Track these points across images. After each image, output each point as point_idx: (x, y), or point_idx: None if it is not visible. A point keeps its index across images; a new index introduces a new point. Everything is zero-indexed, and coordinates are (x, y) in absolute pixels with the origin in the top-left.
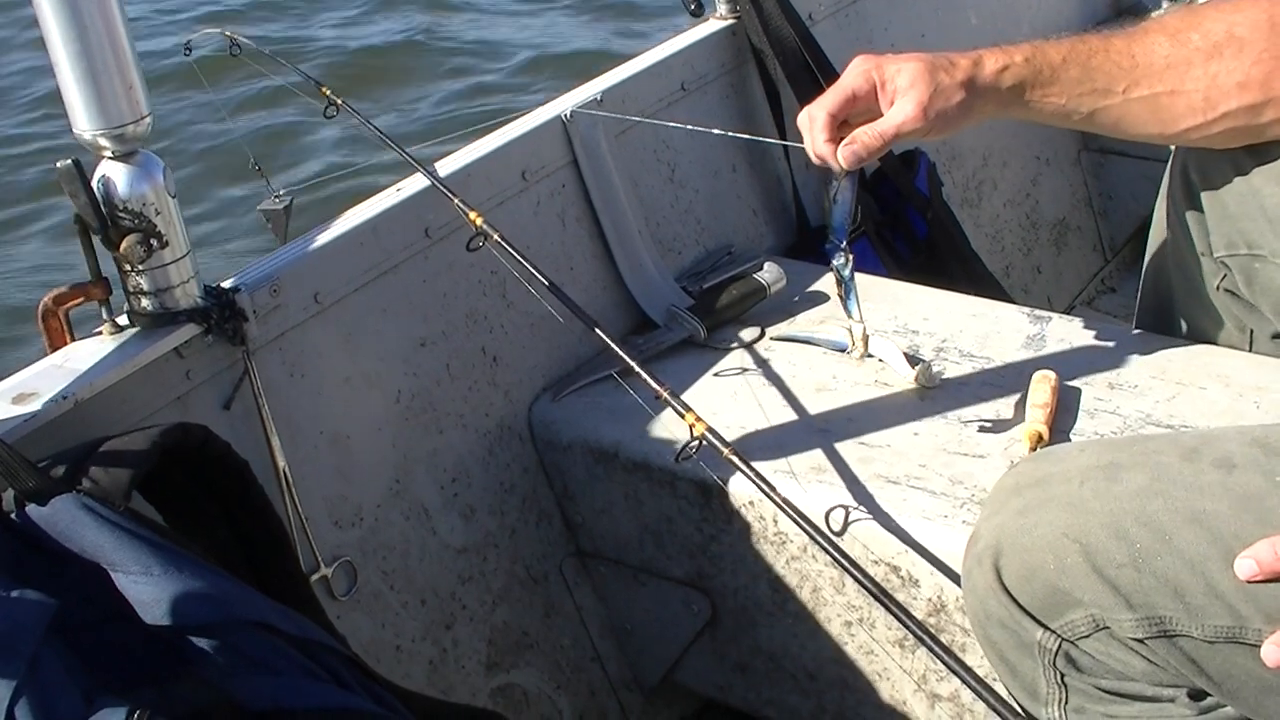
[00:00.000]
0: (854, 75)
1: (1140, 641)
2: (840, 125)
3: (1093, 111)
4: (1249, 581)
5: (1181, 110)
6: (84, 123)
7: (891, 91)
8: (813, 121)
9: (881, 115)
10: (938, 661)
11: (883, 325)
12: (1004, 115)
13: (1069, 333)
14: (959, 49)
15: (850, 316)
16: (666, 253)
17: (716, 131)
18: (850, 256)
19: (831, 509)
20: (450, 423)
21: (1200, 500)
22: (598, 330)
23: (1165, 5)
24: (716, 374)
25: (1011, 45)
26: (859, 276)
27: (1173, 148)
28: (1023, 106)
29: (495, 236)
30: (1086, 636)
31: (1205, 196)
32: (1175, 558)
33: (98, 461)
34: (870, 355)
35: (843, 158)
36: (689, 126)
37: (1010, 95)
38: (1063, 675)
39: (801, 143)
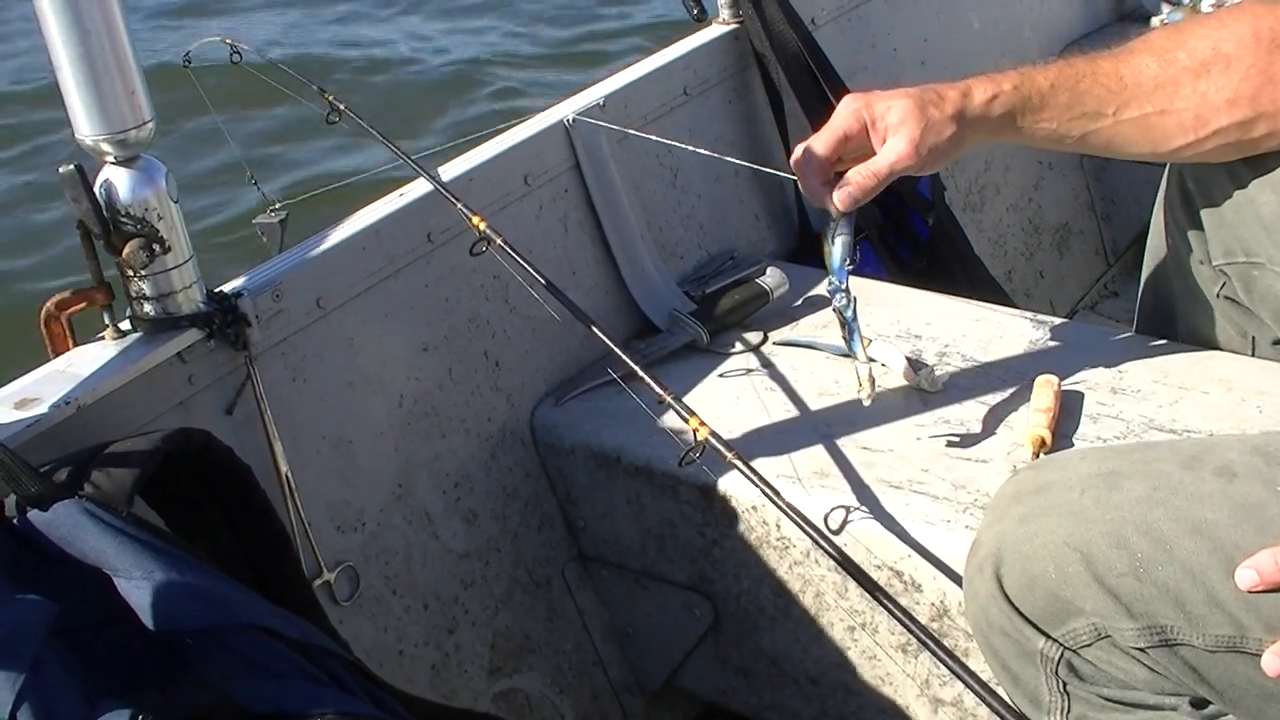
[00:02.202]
0: (844, 116)
1: (1142, 650)
2: (834, 164)
3: (1084, 135)
4: (1250, 591)
5: (1173, 129)
6: (86, 128)
7: (883, 129)
8: (806, 165)
9: (874, 153)
10: (941, 666)
11: (885, 330)
12: (997, 139)
13: (1071, 337)
14: (961, 53)
15: (855, 358)
16: (669, 257)
17: (724, 158)
18: (853, 298)
19: (834, 513)
20: (453, 427)
21: (1201, 509)
22: (600, 334)
23: (1165, 9)
24: (719, 378)
25: (1000, 73)
26: (860, 279)
27: None
28: (1014, 133)
29: (498, 241)
30: (1088, 645)
31: (1202, 205)
32: (1176, 567)
33: (100, 466)
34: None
35: (838, 200)
36: (691, 148)
37: (1001, 123)
38: (1065, 684)
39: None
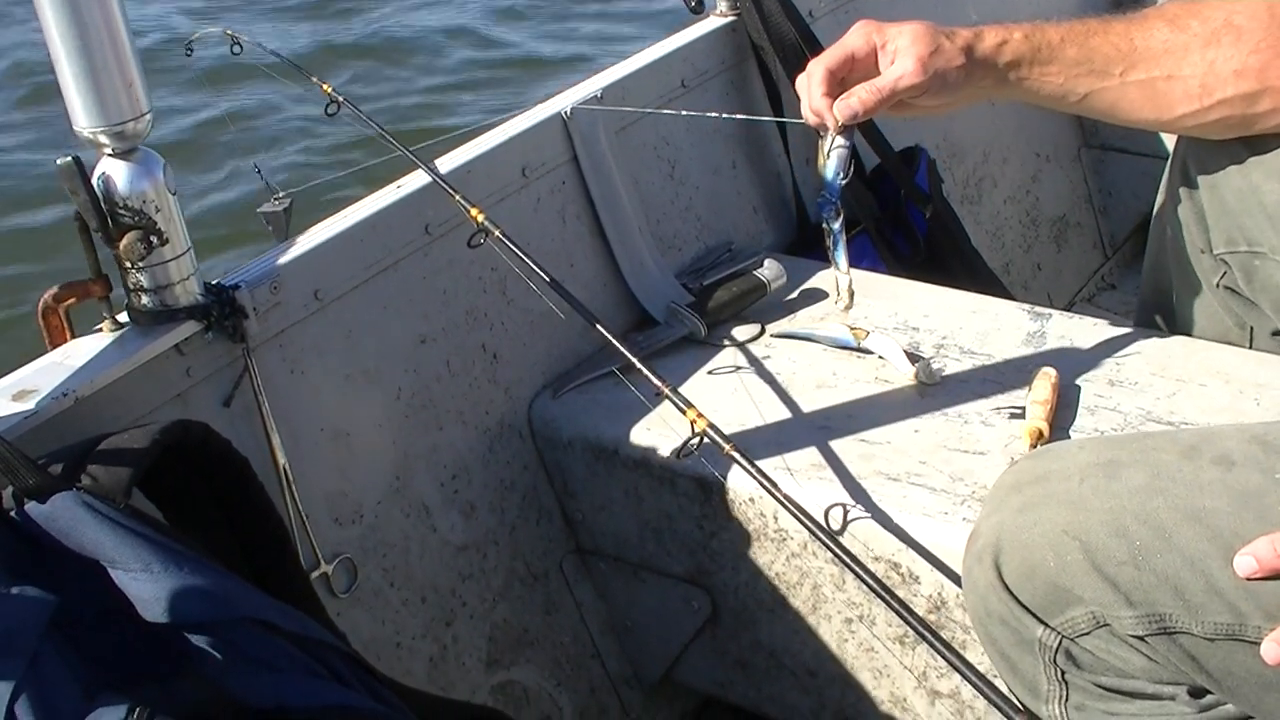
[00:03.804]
0: (855, 36)
1: (1140, 639)
2: (839, 87)
3: (1089, 93)
4: (1248, 579)
5: (1178, 96)
6: (84, 119)
7: (892, 51)
8: (810, 77)
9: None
10: (938, 658)
11: (883, 322)
12: (1002, 92)
13: (1069, 329)
14: None
15: (837, 268)
16: (667, 249)
17: (716, 115)
18: (841, 213)
19: (832, 506)
20: (450, 420)
21: (1200, 498)
22: (598, 327)
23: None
24: (716, 371)
25: (1012, 23)
26: (858, 272)
27: (1172, 145)
28: (1020, 84)
29: (497, 233)
30: (1087, 634)
31: (1205, 193)
32: (1175, 555)
33: (97, 459)
34: (864, 341)
35: (838, 111)
36: (686, 112)
37: (1007, 70)
38: (1063, 672)
39: (800, 124)
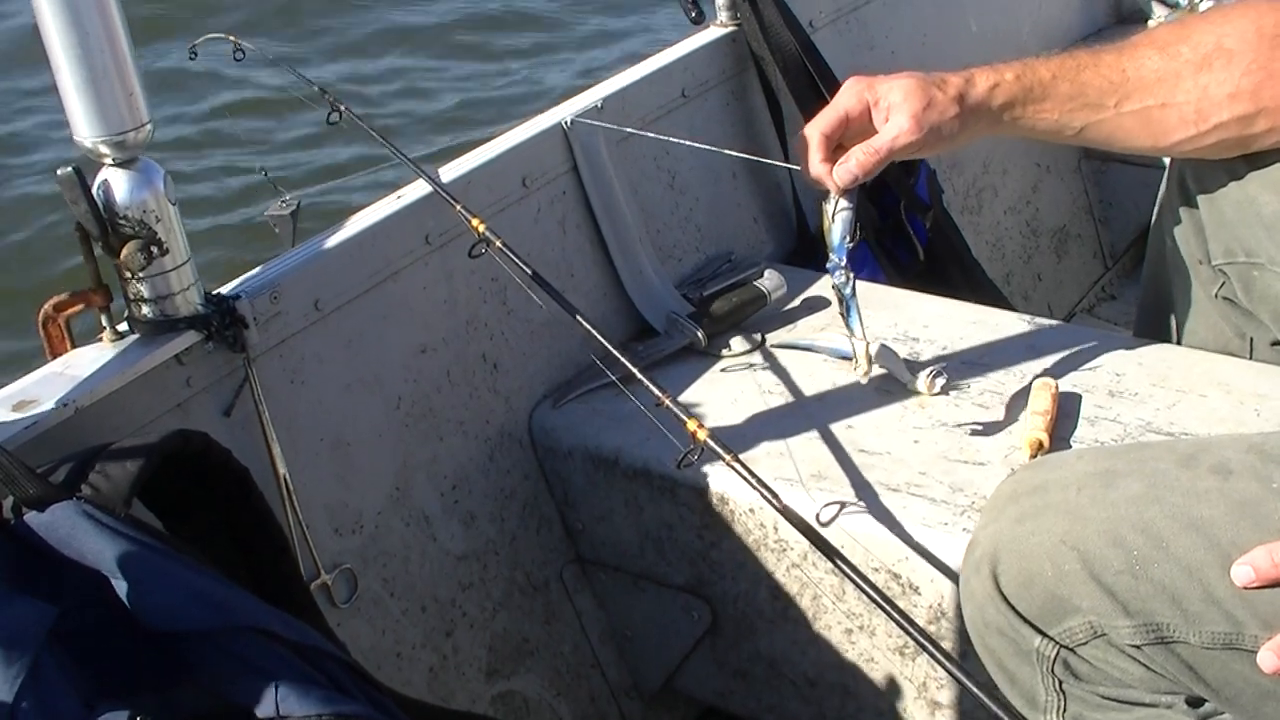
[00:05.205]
0: (847, 96)
1: (1138, 648)
2: (836, 147)
3: (1084, 126)
4: (1246, 588)
5: (1173, 123)
6: (84, 130)
7: (885, 108)
8: (807, 143)
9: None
10: (938, 669)
11: (883, 333)
12: (997, 132)
13: (1069, 340)
14: (960, 55)
15: (853, 334)
16: (667, 260)
17: (722, 150)
18: (851, 276)
19: (832, 516)
20: (451, 429)
21: (1197, 507)
22: (598, 336)
23: (1161, 11)
24: (716, 381)
25: (1002, 64)
26: (860, 284)
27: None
28: (1015, 123)
29: (498, 243)
30: (1085, 643)
31: (1203, 204)
32: (1172, 564)
33: (98, 468)
34: (876, 368)
35: (837, 176)
36: (689, 142)
37: (1001, 112)
38: (1061, 682)
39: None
